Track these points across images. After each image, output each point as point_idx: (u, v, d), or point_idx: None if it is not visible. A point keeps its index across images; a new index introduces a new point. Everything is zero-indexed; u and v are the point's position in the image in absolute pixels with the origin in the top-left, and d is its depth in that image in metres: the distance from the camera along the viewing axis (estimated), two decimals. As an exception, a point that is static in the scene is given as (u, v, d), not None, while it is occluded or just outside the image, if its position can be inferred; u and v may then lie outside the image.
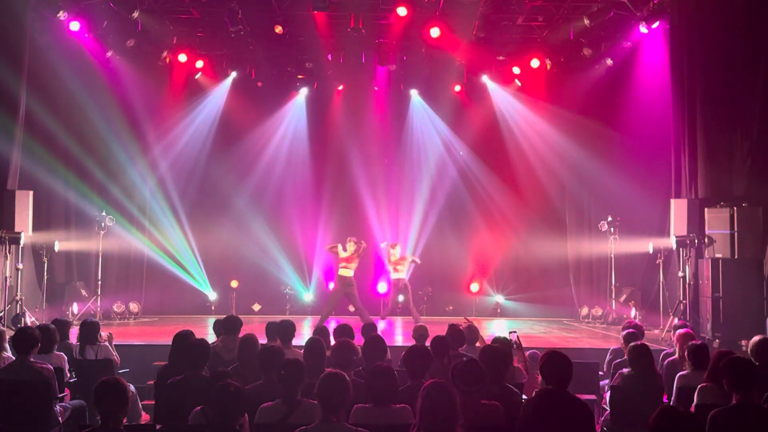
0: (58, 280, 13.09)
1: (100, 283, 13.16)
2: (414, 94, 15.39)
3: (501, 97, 14.91)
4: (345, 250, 12.06)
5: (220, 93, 14.80)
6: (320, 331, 6.66)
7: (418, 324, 7.32)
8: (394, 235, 14.57)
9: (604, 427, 5.85)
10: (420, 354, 5.04)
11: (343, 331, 6.39)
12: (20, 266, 11.08)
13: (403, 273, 12.44)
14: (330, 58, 14.22)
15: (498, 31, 13.11)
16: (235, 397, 4.01)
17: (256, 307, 14.80)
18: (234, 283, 14.80)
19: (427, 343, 5.98)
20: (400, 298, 12.89)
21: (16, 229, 10.83)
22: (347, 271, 11.96)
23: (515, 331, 6.46)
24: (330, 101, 15.37)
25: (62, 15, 11.56)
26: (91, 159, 13.22)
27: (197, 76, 14.35)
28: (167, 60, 13.66)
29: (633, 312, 12.85)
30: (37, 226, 11.54)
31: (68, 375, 6.43)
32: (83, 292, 13.17)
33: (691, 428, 3.19)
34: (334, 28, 13.08)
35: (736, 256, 10.08)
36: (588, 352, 8.88)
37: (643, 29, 12.04)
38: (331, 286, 13.53)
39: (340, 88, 15.28)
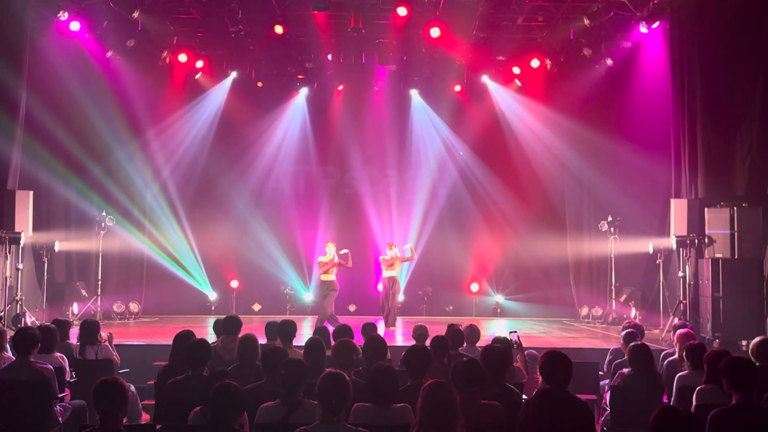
0: (58, 280, 13.10)
1: (100, 283, 13.17)
2: (414, 94, 15.39)
3: (501, 97, 14.92)
4: (324, 253, 11.80)
5: (220, 93, 14.81)
6: (320, 331, 6.66)
7: (418, 324, 7.30)
8: (392, 235, 14.55)
9: (604, 427, 5.85)
10: (420, 354, 5.03)
11: (343, 331, 6.39)
12: (20, 266, 11.09)
13: (393, 271, 12.09)
14: (330, 58, 14.23)
15: (498, 31, 13.10)
16: (234, 397, 4.00)
17: (256, 307, 14.80)
18: (234, 283, 14.80)
19: (427, 343, 5.98)
20: (401, 298, 12.84)
21: (16, 229, 10.84)
22: (329, 276, 11.62)
23: (515, 331, 6.46)
24: (330, 101, 15.37)
25: (62, 15, 11.56)
26: (92, 159, 13.24)
27: (197, 76, 14.35)
28: (167, 60, 13.66)
29: (633, 312, 12.85)
30: (37, 226, 11.56)
31: (69, 375, 6.43)
32: (83, 292, 13.18)
33: (691, 428, 3.18)
34: (334, 28, 13.08)
35: (736, 256, 10.08)
36: (588, 352, 8.89)
37: (643, 29, 12.04)
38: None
39: (340, 88, 15.28)
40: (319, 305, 11.87)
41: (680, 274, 11.02)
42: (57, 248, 12.06)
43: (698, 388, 5.02)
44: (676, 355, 6.47)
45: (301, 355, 5.39)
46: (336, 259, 11.61)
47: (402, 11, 11.82)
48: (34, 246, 11.96)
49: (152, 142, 14.29)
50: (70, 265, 13.45)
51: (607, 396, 5.87)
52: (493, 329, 11.91)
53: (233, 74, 14.67)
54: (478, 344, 6.75)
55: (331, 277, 11.64)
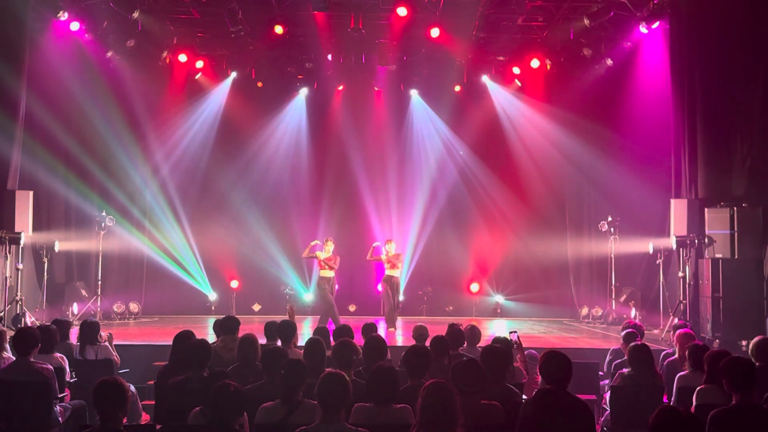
0: (58, 280, 13.10)
1: (100, 283, 13.16)
2: (414, 94, 15.39)
3: (501, 97, 14.92)
4: (323, 250, 11.67)
5: (220, 93, 14.81)
6: (320, 331, 6.66)
7: (418, 324, 7.29)
8: (392, 235, 14.51)
9: (604, 427, 5.85)
10: (420, 354, 5.03)
11: (343, 331, 6.39)
12: (20, 266, 11.08)
13: (396, 271, 12.00)
14: (330, 58, 14.23)
15: (498, 31, 13.11)
16: (234, 397, 4.00)
17: (256, 307, 14.80)
18: (234, 283, 14.80)
19: (427, 343, 5.98)
20: (401, 297, 12.78)
21: (16, 229, 10.84)
22: (329, 272, 11.55)
23: (515, 331, 6.46)
24: (330, 101, 15.37)
25: (62, 15, 11.56)
26: (91, 159, 13.25)
27: (197, 77, 14.35)
28: (167, 60, 13.66)
29: (633, 312, 12.85)
30: (37, 226, 11.56)
31: (69, 375, 6.43)
32: (83, 292, 13.18)
33: (691, 428, 3.18)
34: (334, 28, 13.08)
35: (736, 256, 10.08)
36: (588, 352, 8.89)
37: (643, 29, 12.04)
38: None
39: (340, 88, 15.28)
40: (321, 303, 11.70)
41: (680, 274, 11.02)
42: (57, 248, 12.05)
43: (698, 388, 5.03)
44: (676, 355, 6.47)
45: (301, 355, 5.39)
46: (326, 256, 11.54)
47: (402, 11, 11.82)
48: (34, 246, 11.95)
49: (152, 142, 14.30)
50: (70, 265, 13.45)
51: (607, 396, 5.87)
52: (493, 329, 11.91)
53: (233, 74, 14.67)
54: (478, 345, 6.75)
55: (331, 273, 11.62)
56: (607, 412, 5.78)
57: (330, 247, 11.66)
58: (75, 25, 11.98)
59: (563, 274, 14.75)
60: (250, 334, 5.78)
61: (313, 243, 11.77)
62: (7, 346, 6.29)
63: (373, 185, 15.20)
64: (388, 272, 11.99)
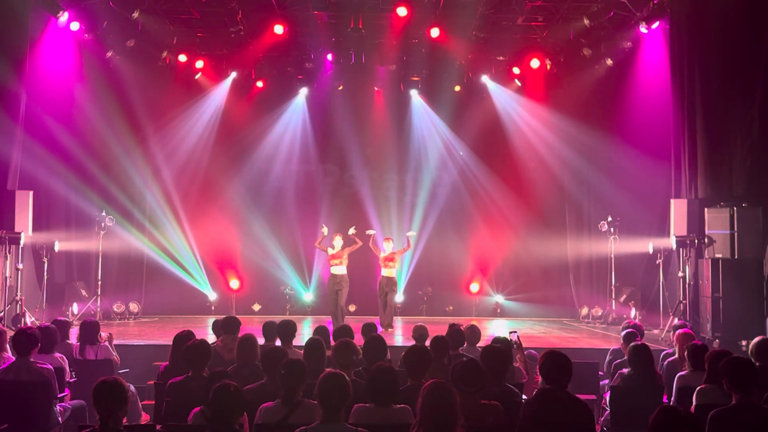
0: (58, 280, 13.09)
1: (100, 283, 13.16)
2: (414, 94, 15.39)
3: (501, 97, 14.91)
4: (333, 246, 11.73)
5: (220, 93, 14.80)
6: (320, 331, 6.66)
7: (418, 324, 7.29)
8: (392, 235, 14.49)
9: (604, 427, 5.85)
10: (420, 354, 5.03)
11: (343, 331, 6.39)
12: (20, 266, 11.08)
13: (393, 270, 11.79)
14: (330, 58, 14.24)
15: (498, 31, 13.12)
16: (234, 397, 4.00)
17: (256, 307, 14.80)
18: (234, 284, 14.81)
19: (427, 343, 5.98)
20: (401, 298, 12.77)
21: (16, 229, 10.83)
22: (339, 269, 11.60)
23: (515, 331, 6.46)
24: (330, 101, 15.35)
25: (62, 15, 11.57)
26: (91, 159, 13.25)
27: (197, 77, 14.35)
28: (167, 60, 13.67)
29: (633, 312, 12.85)
30: (37, 226, 11.54)
31: (69, 375, 6.43)
32: (83, 292, 13.18)
33: (691, 428, 3.19)
34: (334, 28, 13.09)
35: (736, 256, 10.07)
36: (588, 352, 8.89)
37: (643, 29, 12.06)
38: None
39: (340, 88, 15.27)
40: (333, 302, 11.61)
41: (680, 274, 11.02)
42: (57, 248, 12.04)
43: (698, 388, 5.03)
44: (676, 355, 6.47)
45: (300, 355, 5.39)
46: (349, 247, 11.59)
47: (402, 11, 11.83)
48: (34, 246, 11.95)
49: (152, 143, 14.29)
50: (70, 265, 13.44)
51: (607, 396, 5.87)
52: (493, 329, 11.91)
53: (233, 74, 14.66)
54: (478, 344, 6.76)
55: (344, 270, 11.59)
56: (607, 412, 5.78)
57: (338, 242, 11.65)
58: (75, 25, 11.99)
59: (563, 274, 14.75)
60: (249, 334, 5.79)
61: (323, 230, 11.74)
62: (7, 346, 6.30)
63: (373, 185, 15.21)
64: (384, 272, 11.85)
